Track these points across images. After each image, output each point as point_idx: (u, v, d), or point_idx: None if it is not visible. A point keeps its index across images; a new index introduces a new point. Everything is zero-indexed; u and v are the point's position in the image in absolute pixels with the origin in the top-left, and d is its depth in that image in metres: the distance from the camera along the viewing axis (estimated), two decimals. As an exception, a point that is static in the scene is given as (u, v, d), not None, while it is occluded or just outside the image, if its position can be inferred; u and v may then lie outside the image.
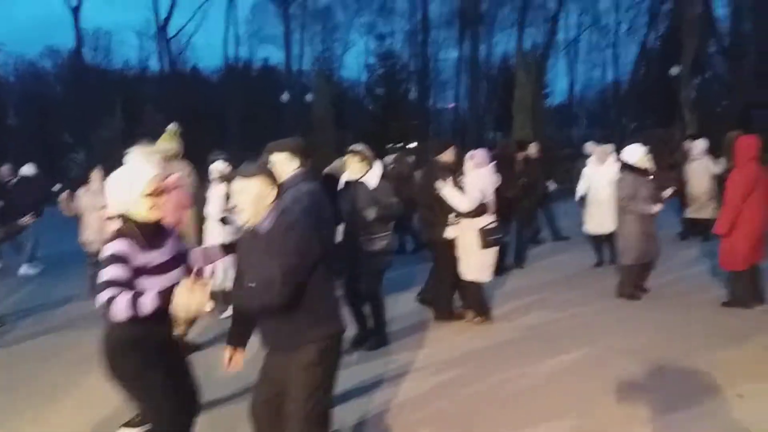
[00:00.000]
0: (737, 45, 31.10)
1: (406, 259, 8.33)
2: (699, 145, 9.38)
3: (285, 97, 27.65)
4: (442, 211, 5.33)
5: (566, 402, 3.83)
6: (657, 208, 6.02)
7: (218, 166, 5.83)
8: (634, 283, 6.23)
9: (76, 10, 34.54)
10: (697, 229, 9.29)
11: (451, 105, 42.93)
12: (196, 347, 4.83)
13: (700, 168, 9.12)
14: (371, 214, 4.58)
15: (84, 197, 6.83)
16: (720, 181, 8.07)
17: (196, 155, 6.06)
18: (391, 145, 9.74)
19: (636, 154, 6.08)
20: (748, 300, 5.66)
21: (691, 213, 9.22)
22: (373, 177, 4.77)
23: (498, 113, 34.81)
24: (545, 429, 3.50)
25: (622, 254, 6.21)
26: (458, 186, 5.23)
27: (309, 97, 25.83)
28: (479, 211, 5.21)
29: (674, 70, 22.93)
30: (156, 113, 23.56)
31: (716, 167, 8.97)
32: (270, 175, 2.50)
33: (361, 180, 4.76)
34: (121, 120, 22.63)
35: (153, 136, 4.83)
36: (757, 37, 28.07)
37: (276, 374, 2.55)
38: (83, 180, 7.10)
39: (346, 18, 42.28)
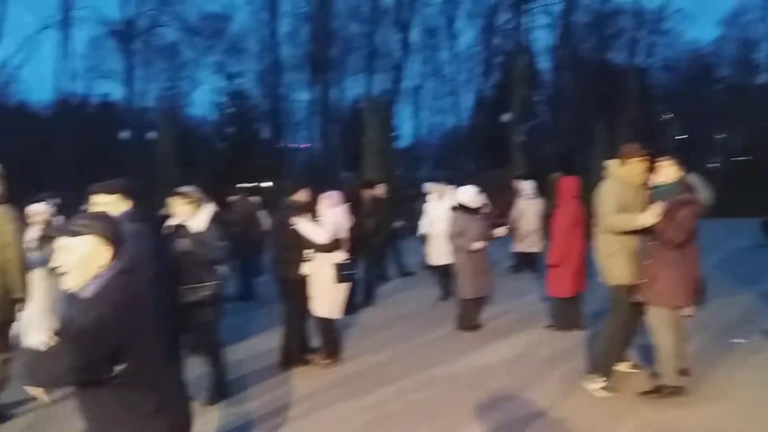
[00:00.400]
0: (558, 96, 34.96)
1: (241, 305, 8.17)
2: (527, 186, 10.30)
3: (125, 134, 26.08)
4: (298, 248, 5.31)
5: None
6: (479, 245, 6.47)
7: (37, 209, 5.31)
8: (472, 315, 6.61)
9: None
10: (527, 263, 10.13)
11: (305, 145, 43.27)
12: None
13: (529, 206, 10.00)
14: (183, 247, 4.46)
15: None
16: (546, 217, 8.89)
17: (22, 198, 5.47)
18: (241, 185, 9.50)
19: (467, 194, 6.56)
20: (568, 325, 6.28)
21: (521, 248, 10.06)
22: (200, 220, 4.62)
23: (350, 154, 35.63)
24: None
25: (459, 289, 6.59)
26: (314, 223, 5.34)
27: (152, 134, 24.62)
28: (334, 246, 5.30)
29: (506, 117, 25.12)
30: (-28, 151, 21.12)
31: (542, 205, 9.91)
32: (105, 233, 2.08)
33: (185, 223, 4.60)
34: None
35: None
36: (575, 88, 31.77)
37: None
38: None
39: (195, 56, 41.28)
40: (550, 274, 6.34)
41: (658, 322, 4.18)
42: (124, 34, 35.48)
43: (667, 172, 4.23)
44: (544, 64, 37.63)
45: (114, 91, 39.62)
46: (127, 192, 3.52)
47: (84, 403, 2.08)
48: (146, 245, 3.47)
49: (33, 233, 5.12)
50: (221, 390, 4.73)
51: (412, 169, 44.45)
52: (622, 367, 4.78)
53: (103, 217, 2.18)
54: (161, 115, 25.44)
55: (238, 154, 28.68)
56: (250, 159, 27.83)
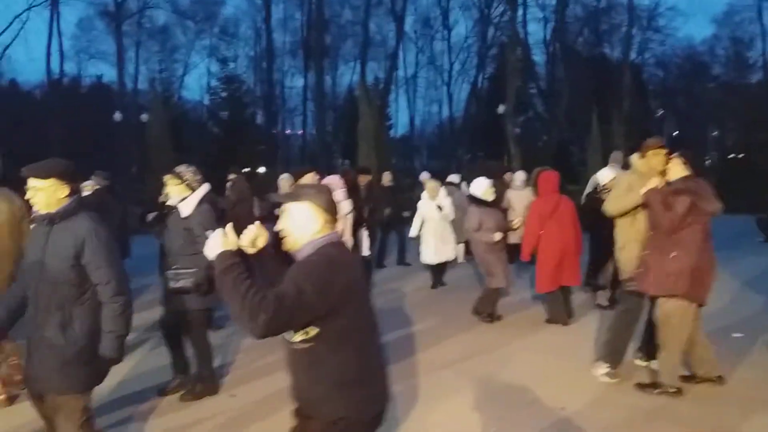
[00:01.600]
0: (553, 88, 35.00)
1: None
2: (518, 176, 10.25)
3: (117, 116, 25.83)
4: None
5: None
6: (499, 236, 6.38)
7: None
8: (494, 305, 6.50)
9: None
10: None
11: (299, 132, 43.17)
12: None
13: (518, 197, 9.93)
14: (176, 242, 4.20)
15: None
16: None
17: (16, 179, 5.36)
18: (232, 168, 9.18)
19: (481, 187, 6.49)
20: (564, 317, 6.25)
21: (510, 239, 9.98)
22: (189, 203, 4.24)
23: (344, 141, 35.54)
24: None
25: (490, 279, 6.47)
26: None
27: (144, 117, 24.37)
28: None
29: (501, 109, 25.10)
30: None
31: (532, 197, 9.81)
32: (321, 202, 2.21)
33: (177, 206, 4.28)
34: None
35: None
36: (568, 82, 31.82)
37: None
38: None
39: (187, 39, 40.91)
40: (536, 269, 6.37)
41: (663, 315, 4.17)
42: (114, 15, 35.01)
43: (676, 169, 4.21)
44: (538, 56, 37.70)
45: (106, 72, 39.29)
46: (64, 176, 2.89)
47: (293, 359, 2.17)
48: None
49: None
50: (209, 386, 4.47)
51: (407, 158, 44.49)
52: (637, 359, 4.82)
53: (321, 187, 2.35)
54: (153, 98, 25.16)
55: (231, 139, 28.47)
56: (244, 144, 27.64)
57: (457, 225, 8.54)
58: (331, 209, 2.22)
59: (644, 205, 4.33)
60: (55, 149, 27.75)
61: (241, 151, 27.52)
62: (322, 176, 5.79)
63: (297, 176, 5.59)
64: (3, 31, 35.48)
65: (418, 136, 48.74)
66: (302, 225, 2.18)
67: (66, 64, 36.49)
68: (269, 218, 4.97)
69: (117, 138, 29.26)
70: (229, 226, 2.16)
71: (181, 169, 4.31)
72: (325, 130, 36.20)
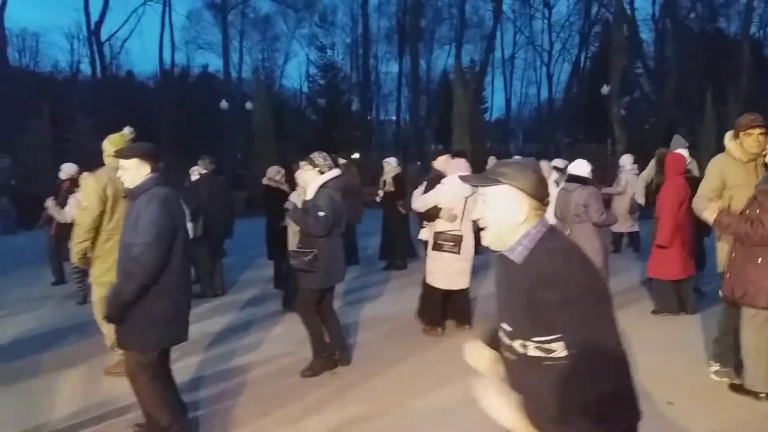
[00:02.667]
0: (661, 67, 32.90)
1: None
2: (627, 161, 9.76)
3: (224, 104, 27.15)
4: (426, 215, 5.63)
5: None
6: (604, 217, 6.02)
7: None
8: None
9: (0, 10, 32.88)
10: (631, 241, 9.75)
11: (394, 117, 43.46)
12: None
13: (636, 181, 9.43)
14: (287, 205, 4.58)
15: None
16: (648, 195, 8.36)
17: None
18: (333, 155, 9.21)
19: (581, 166, 6.17)
20: (675, 308, 5.92)
21: (619, 227, 9.49)
22: (313, 187, 4.53)
23: (438, 126, 35.38)
24: None
25: None
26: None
27: (249, 105, 25.45)
28: (435, 214, 5.50)
29: (605, 89, 23.94)
30: (86, 119, 22.63)
31: (641, 182, 9.27)
32: (527, 185, 1.69)
33: (303, 189, 4.65)
34: (49, 125, 21.58)
35: (82, 142, 4.60)
36: (677, 61, 29.78)
37: None
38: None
39: (288, 28, 42.13)
40: (655, 255, 5.99)
41: (745, 320, 3.82)
42: (220, 6, 36.63)
43: None
44: (645, 34, 35.52)
45: (212, 62, 41.39)
46: (145, 156, 3.33)
47: (528, 379, 1.67)
48: (174, 206, 3.34)
49: None
50: (317, 364, 4.62)
51: (503, 142, 43.59)
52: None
53: (525, 164, 1.76)
54: (257, 87, 26.19)
55: (329, 126, 29.13)
56: (340, 131, 28.21)
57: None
58: (542, 194, 1.72)
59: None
60: (167, 136, 29.65)
61: (338, 137, 28.13)
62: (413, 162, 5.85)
63: (434, 156, 5.91)
64: (121, 26, 38.23)
65: (514, 119, 47.58)
66: (505, 214, 1.69)
67: (176, 55, 38.84)
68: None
69: (223, 125, 30.73)
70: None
71: (314, 155, 4.61)
72: (419, 115, 36.15)
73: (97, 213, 4.39)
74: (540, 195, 1.70)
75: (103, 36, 36.92)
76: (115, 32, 38.48)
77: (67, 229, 6.35)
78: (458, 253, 5.45)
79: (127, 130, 4.78)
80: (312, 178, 4.54)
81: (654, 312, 6.06)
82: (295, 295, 4.76)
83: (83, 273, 6.40)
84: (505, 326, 1.71)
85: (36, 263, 9.08)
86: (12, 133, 22.88)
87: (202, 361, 4.90)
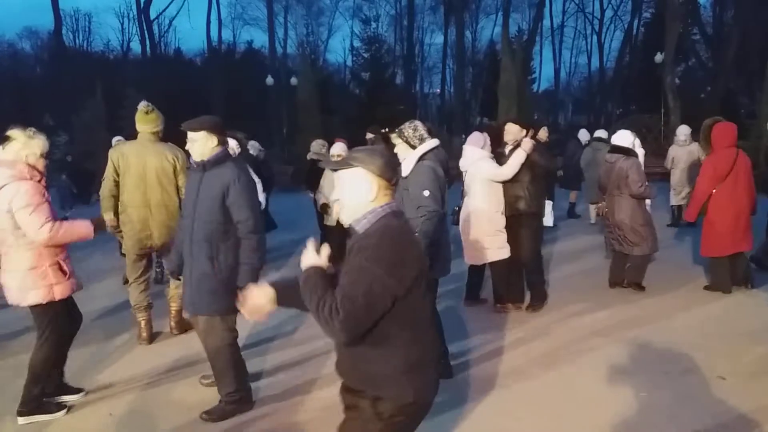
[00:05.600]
0: (719, 33, 31.36)
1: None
2: (682, 131, 9.43)
3: (270, 80, 27.37)
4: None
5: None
6: (649, 190, 5.83)
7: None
8: (642, 274, 6.02)
9: (55, -9, 33.84)
10: (674, 216, 9.36)
11: (438, 90, 42.96)
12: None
13: (683, 154, 9.17)
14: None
15: None
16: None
17: (181, 139, 5.89)
18: (372, 128, 9.08)
19: (624, 137, 6.01)
20: (728, 285, 5.73)
21: (676, 200, 9.25)
22: (408, 162, 3.92)
23: (484, 98, 34.83)
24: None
25: (638, 245, 5.82)
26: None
27: (293, 80, 25.58)
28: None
29: (658, 57, 23.02)
30: (138, 96, 23.20)
31: (699, 154, 9.00)
32: (376, 168, 1.93)
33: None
34: (103, 103, 22.26)
35: (134, 119, 4.69)
36: (738, 25, 28.30)
37: None
38: None
39: (332, 1, 41.97)
40: (703, 231, 5.79)
41: None
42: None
43: None
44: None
45: (257, 38, 41.76)
46: (213, 129, 3.34)
47: (343, 353, 2.00)
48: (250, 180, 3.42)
49: None
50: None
51: (551, 113, 42.65)
52: None
53: (378, 150, 2.01)
54: (302, 62, 26.27)
55: (373, 100, 29.02)
56: (383, 104, 28.08)
57: (591, 183, 8.03)
58: (389, 176, 1.94)
59: None
60: (215, 112, 30.16)
61: (381, 111, 28.03)
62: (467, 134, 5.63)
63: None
64: (169, 4, 38.82)
65: (563, 90, 46.41)
66: (357, 194, 1.93)
67: (223, 32, 39.30)
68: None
69: (269, 101, 31.04)
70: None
71: (404, 125, 4.07)
72: (464, 88, 35.65)
73: (111, 183, 4.61)
74: (387, 176, 1.93)
75: (152, 14, 37.67)
76: (164, 10, 39.29)
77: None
78: (456, 224, 5.33)
79: (142, 105, 4.79)
80: (402, 153, 3.96)
81: (706, 288, 5.90)
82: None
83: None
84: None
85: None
86: (69, 111, 23.74)
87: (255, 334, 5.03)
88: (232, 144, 4.98)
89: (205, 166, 3.33)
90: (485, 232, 5.15)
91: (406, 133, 3.99)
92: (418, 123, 4.09)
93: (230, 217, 3.29)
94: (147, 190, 4.57)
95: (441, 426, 3.21)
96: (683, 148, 9.20)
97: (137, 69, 37.12)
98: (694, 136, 9.31)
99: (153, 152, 4.61)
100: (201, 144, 3.32)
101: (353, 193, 1.93)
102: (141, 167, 4.55)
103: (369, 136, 8.72)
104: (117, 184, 4.62)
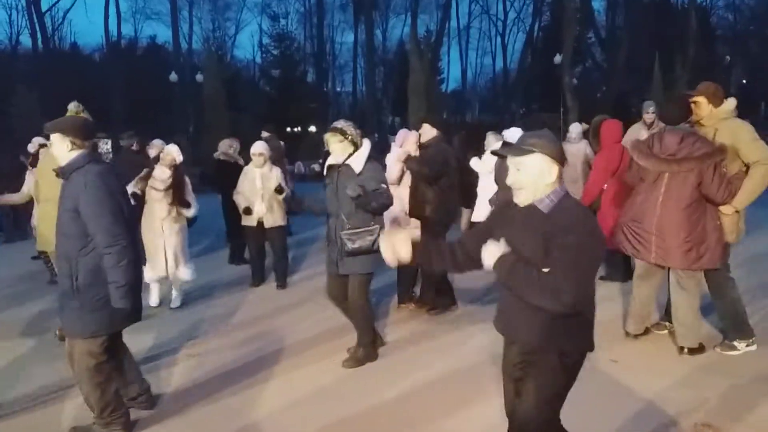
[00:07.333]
0: (613, 36, 33.44)
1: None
2: (574, 129, 9.88)
3: (173, 77, 26.37)
4: None
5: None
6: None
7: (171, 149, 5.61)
8: None
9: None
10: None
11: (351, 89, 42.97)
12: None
13: (573, 150, 9.60)
14: (352, 193, 3.83)
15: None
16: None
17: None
18: (266, 126, 9.01)
19: (515, 135, 6.27)
20: (620, 276, 6.11)
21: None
22: (359, 159, 3.99)
23: (395, 97, 35.26)
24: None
25: None
26: None
27: (199, 77, 24.80)
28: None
29: (557, 59, 24.22)
30: (28, 93, 21.70)
31: (587, 150, 9.40)
32: (552, 152, 2.15)
33: (346, 163, 4.01)
34: (-12, 99, 20.67)
35: (26, 116, 4.43)
36: (629, 29, 30.31)
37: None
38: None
39: (238, -4, 40.97)
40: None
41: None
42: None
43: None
44: (597, 2, 36.00)
45: (161, 33, 40.07)
46: (68, 131, 3.04)
47: (530, 318, 2.18)
48: (113, 181, 3.14)
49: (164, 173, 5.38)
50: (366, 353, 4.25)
51: (459, 113, 43.81)
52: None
53: (549, 136, 2.24)
54: (208, 58, 25.49)
55: (283, 98, 28.68)
56: (295, 102, 27.82)
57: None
58: (562, 159, 2.18)
59: None
60: (116, 110, 28.72)
61: (293, 109, 27.75)
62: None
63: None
64: (63, -4, 36.44)
65: (470, 90, 47.80)
66: (537, 177, 2.14)
67: (123, 26, 37.40)
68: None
69: (174, 98, 29.92)
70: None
71: (342, 124, 4.06)
72: (375, 86, 35.93)
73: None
74: (562, 159, 2.17)
75: (44, 6, 35.25)
76: (56, 2, 36.81)
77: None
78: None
79: (72, 105, 4.56)
80: (342, 150, 3.99)
81: (601, 278, 6.25)
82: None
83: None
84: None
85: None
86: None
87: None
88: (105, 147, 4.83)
89: (63, 172, 3.02)
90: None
91: (348, 131, 3.99)
92: (351, 122, 4.15)
93: (85, 229, 2.93)
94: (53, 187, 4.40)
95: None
96: (574, 145, 9.63)
97: (28, 64, 34.63)
98: (586, 134, 9.83)
99: None
100: (55, 148, 3.05)
101: (535, 176, 2.13)
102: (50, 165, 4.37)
103: (265, 134, 8.59)
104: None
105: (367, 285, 4.15)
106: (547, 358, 2.21)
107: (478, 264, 2.28)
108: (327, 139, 4.06)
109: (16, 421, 3.52)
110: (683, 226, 3.90)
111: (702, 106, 4.06)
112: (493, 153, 2.34)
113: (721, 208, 3.94)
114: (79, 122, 3.18)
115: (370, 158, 4.03)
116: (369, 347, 4.22)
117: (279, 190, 6.11)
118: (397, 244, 2.32)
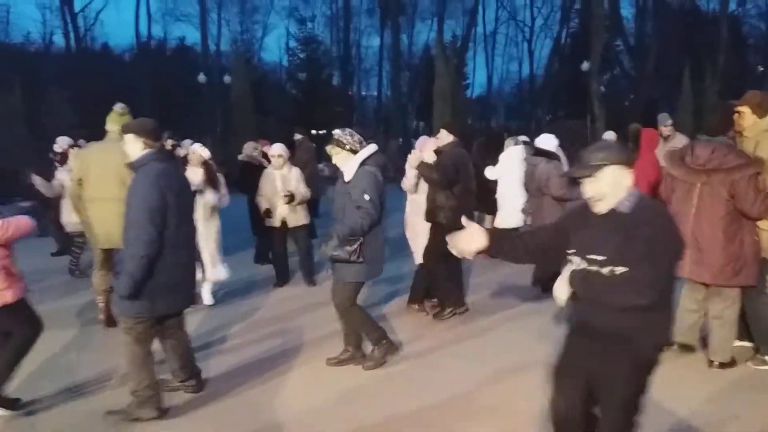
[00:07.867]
0: (641, 44, 33.01)
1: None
2: (607, 137, 9.84)
3: (202, 78, 26.65)
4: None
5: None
6: (575, 194, 5.99)
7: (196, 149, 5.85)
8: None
9: (-32, -21, 31.80)
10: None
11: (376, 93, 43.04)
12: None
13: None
14: (327, 252, 3.91)
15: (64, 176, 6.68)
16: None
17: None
18: (297, 129, 9.17)
19: (548, 140, 6.22)
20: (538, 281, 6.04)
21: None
22: (350, 167, 3.99)
23: (420, 102, 35.20)
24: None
25: None
26: None
27: (227, 78, 25.05)
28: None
29: (584, 66, 23.99)
30: (61, 92, 22.12)
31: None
32: (621, 158, 2.29)
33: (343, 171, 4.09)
34: (21, 99, 21.07)
35: (56, 115, 4.59)
36: (658, 37, 29.89)
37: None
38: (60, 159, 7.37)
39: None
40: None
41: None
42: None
43: None
44: (626, 10, 35.51)
45: (190, 35, 40.48)
46: (139, 132, 3.39)
47: (616, 314, 2.24)
48: (173, 180, 3.41)
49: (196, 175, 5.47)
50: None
51: (484, 118, 43.56)
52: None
53: (614, 145, 2.44)
54: (236, 60, 25.74)
55: (309, 101, 28.82)
56: (320, 105, 27.93)
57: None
58: (630, 162, 2.32)
59: None
60: (144, 110, 29.12)
61: (319, 112, 27.86)
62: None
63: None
64: (95, -2, 37.18)
65: (496, 96, 47.51)
66: (614, 186, 2.26)
67: (153, 27, 37.95)
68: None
69: (202, 99, 30.26)
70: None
71: (338, 134, 4.08)
72: (401, 91, 35.92)
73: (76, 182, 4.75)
74: (632, 162, 2.30)
75: (77, 6, 35.97)
76: (89, 3, 37.49)
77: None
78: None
79: (117, 107, 4.85)
80: (344, 160, 4.01)
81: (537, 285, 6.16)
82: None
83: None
84: (596, 257, 2.25)
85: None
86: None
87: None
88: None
89: (133, 168, 3.40)
90: (417, 233, 5.46)
91: (344, 140, 4.02)
92: (348, 129, 4.16)
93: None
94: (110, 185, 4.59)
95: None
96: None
97: (60, 64, 35.32)
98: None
99: (119, 150, 4.55)
100: (129, 147, 3.41)
101: (613, 186, 2.25)
102: (105, 164, 4.59)
103: (297, 136, 8.74)
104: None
105: (353, 293, 4.12)
106: (627, 356, 2.26)
107: (541, 257, 2.63)
108: (329, 151, 4.13)
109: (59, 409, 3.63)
110: (718, 240, 3.79)
111: (746, 116, 3.97)
112: (571, 178, 2.43)
113: (759, 223, 3.84)
114: (150, 125, 3.48)
115: (364, 164, 3.99)
116: (382, 343, 4.24)
117: (289, 198, 6.14)
118: (473, 235, 2.43)
